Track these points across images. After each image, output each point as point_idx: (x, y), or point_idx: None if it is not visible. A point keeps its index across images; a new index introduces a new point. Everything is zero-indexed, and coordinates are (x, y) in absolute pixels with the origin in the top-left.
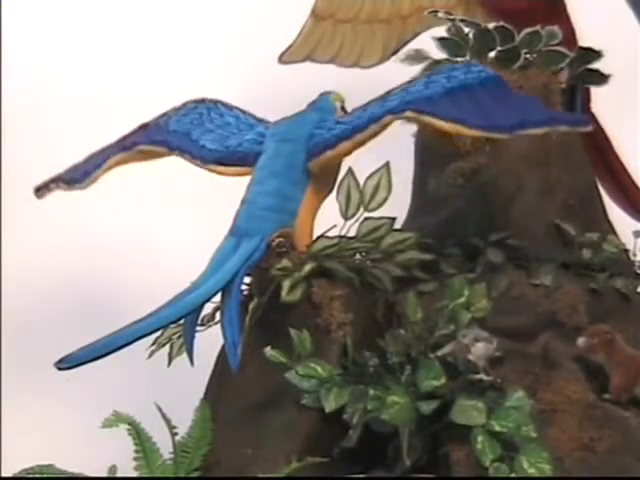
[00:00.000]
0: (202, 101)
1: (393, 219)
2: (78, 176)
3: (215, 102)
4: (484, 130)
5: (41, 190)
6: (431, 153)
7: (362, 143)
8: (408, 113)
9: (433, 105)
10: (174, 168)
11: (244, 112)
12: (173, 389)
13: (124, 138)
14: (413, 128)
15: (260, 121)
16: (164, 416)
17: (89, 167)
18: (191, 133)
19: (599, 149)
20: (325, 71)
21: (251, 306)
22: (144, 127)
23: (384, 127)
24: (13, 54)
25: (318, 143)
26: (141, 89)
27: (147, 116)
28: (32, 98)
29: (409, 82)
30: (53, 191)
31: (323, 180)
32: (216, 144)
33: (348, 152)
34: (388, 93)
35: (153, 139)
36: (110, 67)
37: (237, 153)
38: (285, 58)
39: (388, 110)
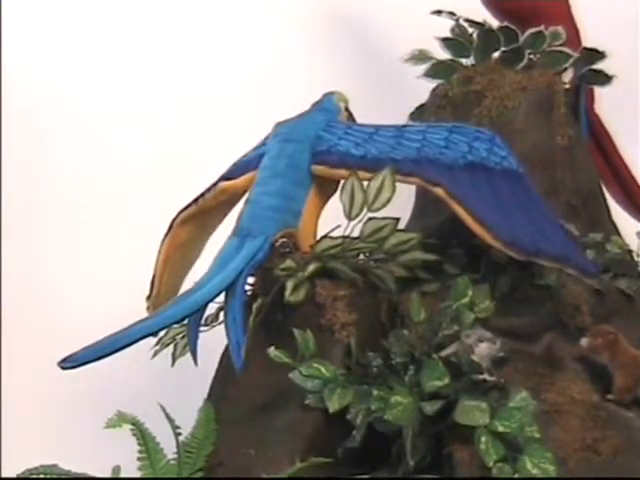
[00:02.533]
0: None
1: (397, 219)
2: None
3: None
4: (506, 246)
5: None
6: None
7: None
8: (439, 190)
9: (455, 181)
10: (177, 168)
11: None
12: (177, 389)
13: None
14: None
15: None
16: (168, 416)
17: None
18: None
19: (603, 150)
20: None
21: (255, 306)
22: None
23: (408, 182)
24: (13, 55)
25: (332, 153)
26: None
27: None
28: (33, 99)
29: (429, 125)
30: None
31: (327, 181)
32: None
33: (362, 178)
34: (404, 127)
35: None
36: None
37: (242, 163)
38: None
39: (412, 161)
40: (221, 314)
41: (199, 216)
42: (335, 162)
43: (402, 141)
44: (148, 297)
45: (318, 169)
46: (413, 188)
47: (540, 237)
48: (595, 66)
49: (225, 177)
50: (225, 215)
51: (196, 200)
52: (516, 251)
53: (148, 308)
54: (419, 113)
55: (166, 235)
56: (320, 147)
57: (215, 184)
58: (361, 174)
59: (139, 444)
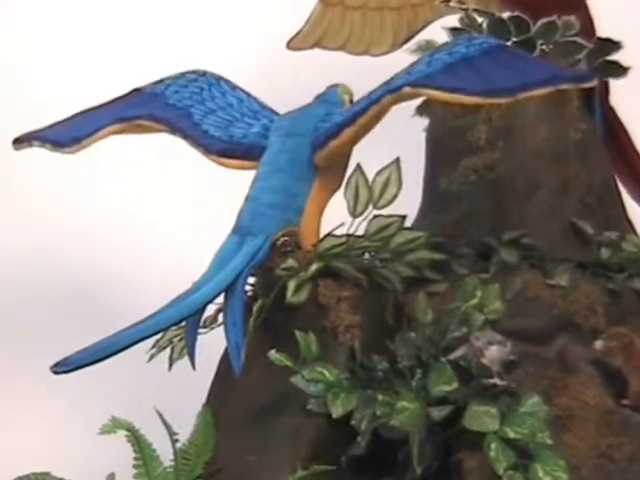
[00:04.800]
0: (203, 74)
1: (403, 217)
2: (67, 140)
3: (217, 78)
4: (484, 96)
5: (22, 143)
6: (443, 148)
7: (366, 128)
8: (406, 89)
9: (433, 80)
10: (175, 164)
11: (248, 94)
12: (174, 394)
13: (117, 104)
14: (424, 122)
15: (264, 107)
16: (164, 422)
17: (79, 132)
18: (192, 113)
19: (618, 144)
20: (334, 61)
21: (255, 307)
22: (137, 92)
23: (386, 108)
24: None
25: (321, 135)
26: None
27: None
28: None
29: (412, 64)
30: (34, 147)
31: (330, 175)
32: (220, 131)
33: (353, 139)
34: (392, 78)
35: (154, 115)
36: (106, 63)
37: (242, 145)
38: (293, 45)
39: (388, 91)
40: (220, 316)
41: (157, 132)
42: (322, 140)
43: (387, 87)
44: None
45: (317, 158)
46: (420, 185)
47: (521, 75)
48: (610, 57)
49: (220, 152)
50: None
51: (172, 130)
52: (497, 96)
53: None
54: (426, 107)
55: (126, 119)
56: (316, 136)
57: (207, 151)
58: (348, 133)
59: (134, 451)
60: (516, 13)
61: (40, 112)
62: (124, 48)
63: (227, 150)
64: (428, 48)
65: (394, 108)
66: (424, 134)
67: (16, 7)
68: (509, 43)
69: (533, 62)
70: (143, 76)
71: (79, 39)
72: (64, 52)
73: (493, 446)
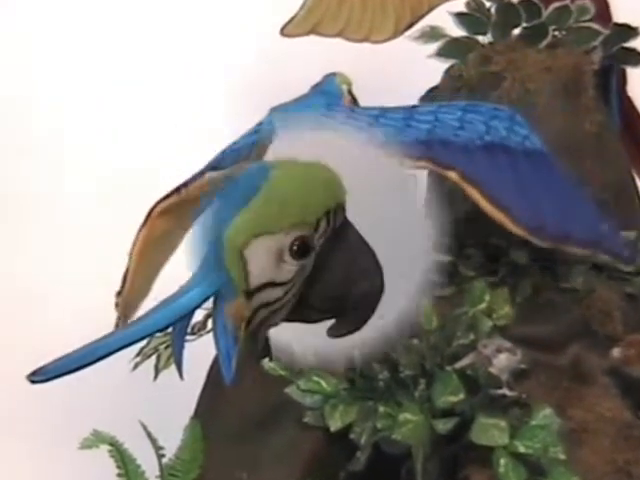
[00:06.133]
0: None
1: None
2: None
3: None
4: (530, 232)
5: None
6: None
7: None
8: (452, 174)
9: (472, 163)
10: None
11: None
12: (160, 405)
13: None
14: None
15: None
16: (150, 435)
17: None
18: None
19: (636, 137)
20: (330, 48)
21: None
22: None
23: (416, 167)
24: None
25: None
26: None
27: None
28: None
29: (440, 105)
30: None
31: None
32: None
33: None
34: (414, 107)
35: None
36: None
37: (232, 152)
38: (287, 31)
39: (422, 143)
40: (210, 321)
41: (180, 207)
42: None
43: (411, 122)
44: (119, 293)
45: None
46: (424, 182)
47: (569, 220)
48: (627, 44)
49: (212, 166)
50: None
51: (178, 190)
52: (542, 237)
53: (117, 304)
54: (431, 97)
55: (143, 226)
56: None
57: (201, 173)
58: None
59: (118, 467)
60: None
61: (40, 113)
62: (124, 46)
63: (218, 164)
64: (433, 35)
65: (395, 98)
66: None
67: (16, 7)
68: (519, 29)
69: (580, 200)
70: (143, 76)
71: (79, 39)
72: (64, 52)
73: (502, 461)
